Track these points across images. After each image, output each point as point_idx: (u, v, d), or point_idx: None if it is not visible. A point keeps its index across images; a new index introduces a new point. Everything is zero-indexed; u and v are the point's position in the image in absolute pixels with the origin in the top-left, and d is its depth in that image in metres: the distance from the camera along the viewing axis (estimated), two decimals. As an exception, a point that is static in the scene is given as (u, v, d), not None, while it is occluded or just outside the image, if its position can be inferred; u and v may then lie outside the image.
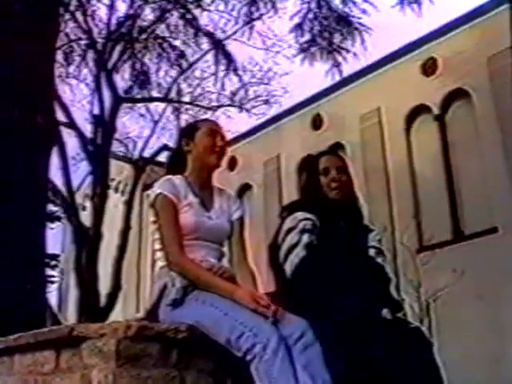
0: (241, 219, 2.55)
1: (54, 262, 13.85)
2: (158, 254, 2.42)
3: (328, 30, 10.69)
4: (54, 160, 9.06)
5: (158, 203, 2.37)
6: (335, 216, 2.61)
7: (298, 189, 3.06)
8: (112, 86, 13.10)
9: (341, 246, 2.53)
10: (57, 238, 17.33)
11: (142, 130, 15.21)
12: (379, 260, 2.60)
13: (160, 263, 2.41)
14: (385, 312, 2.40)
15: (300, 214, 2.57)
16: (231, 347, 2.06)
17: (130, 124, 15.13)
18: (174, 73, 13.81)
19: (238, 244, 2.50)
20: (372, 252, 2.60)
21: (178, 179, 2.44)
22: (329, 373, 2.03)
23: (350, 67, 11.73)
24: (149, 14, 12.92)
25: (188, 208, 2.39)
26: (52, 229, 12.84)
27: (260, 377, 1.98)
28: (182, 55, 13.44)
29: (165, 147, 14.28)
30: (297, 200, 2.91)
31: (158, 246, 2.42)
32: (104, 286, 12.22)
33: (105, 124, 12.93)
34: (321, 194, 2.65)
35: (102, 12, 12.99)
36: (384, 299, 2.47)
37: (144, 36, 13.13)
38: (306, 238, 2.50)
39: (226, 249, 2.53)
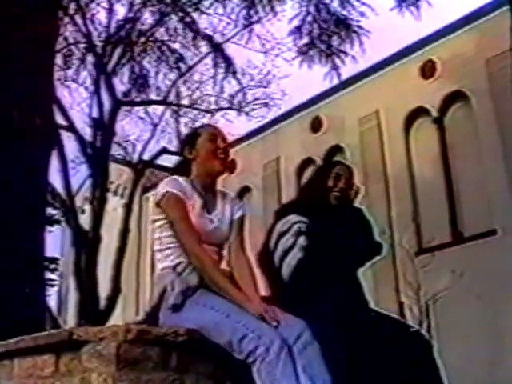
0: (242, 218, 2.55)
1: (53, 266, 13.86)
2: (158, 255, 2.42)
3: (326, 33, 10.71)
4: (54, 163, 9.07)
5: (167, 201, 2.36)
6: (328, 216, 2.63)
7: (298, 191, 3.10)
8: (111, 90, 13.12)
9: (335, 246, 2.54)
10: (56, 241, 17.31)
11: (141, 133, 15.23)
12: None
13: (159, 265, 2.41)
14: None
15: (292, 217, 2.58)
16: (232, 349, 2.07)
17: (129, 127, 15.15)
18: (172, 76, 13.86)
19: (236, 240, 2.48)
20: None
21: (183, 179, 2.45)
22: (329, 373, 2.04)
23: (348, 70, 11.77)
24: (148, 18, 12.98)
25: (191, 209, 2.39)
26: (51, 232, 12.85)
27: (262, 379, 1.98)
28: (180, 58, 13.47)
29: (164, 150, 14.29)
30: (288, 202, 2.95)
31: (158, 246, 2.42)
32: (103, 289, 12.21)
33: (104, 127, 12.94)
34: (322, 192, 2.70)
35: (102, 15, 13.05)
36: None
37: (143, 39, 13.16)
38: (302, 240, 2.51)
39: (225, 252, 2.53)
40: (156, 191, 2.42)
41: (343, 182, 2.73)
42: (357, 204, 2.79)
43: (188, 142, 2.60)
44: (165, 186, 2.38)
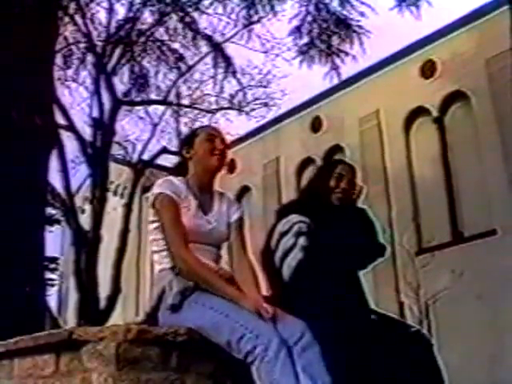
0: (240, 219, 2.54)
1: (53, 265, 13.87)
2: (156, 257, 2.41)
3: (326, 32, 10.71)
4: (54, 163, 9.07)
5: (160, 203, 2.36)
6: (329, 216, 2.63)
7: (297, 191, 3.09)
8: (111, 89, 13.11)
9: (335, 246, 2.53)
10: (56, 240, 17.32)
11: (142, 132, 15.22)
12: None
13: (158, 266, 2.40)
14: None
15: (294, 217, 2.58)
16: (232, 349, 2.06)
17: (130, 127, 15.14)
18: (172, 76, 13.85)
19: (237, 242, 2.48)
20: None
21: (177, 180, 2.45)
22: (329, 374, 2.03)
23: (348, 70, 11.77)
24: (148, 17, 12.97)
25: (186, 210, 2.38)
26: (51, 232, 12.85)
27: (261, 378, 1.98)
28: (180, 58, 13.46)
29: (164, 150, 14.28)
30: (289, 202, 2.94)
31: (155, 247, 2.41)
32: (103, 289, 12.20)
33: (104, 127, 12.93)
34: (324, 192, 2.69)
35: (101, 15, 13.05)
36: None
37: (143, 39, 13.15)
38: (302, 240, 2.50)
39: (223, 251, 2.52)
40: (151, 192, 2.42)
41: (345, 182, 2.71)
42: (359, 204, 2.78)
43: (186, 141, 2.61)
44: (158, 187, 2.39)
